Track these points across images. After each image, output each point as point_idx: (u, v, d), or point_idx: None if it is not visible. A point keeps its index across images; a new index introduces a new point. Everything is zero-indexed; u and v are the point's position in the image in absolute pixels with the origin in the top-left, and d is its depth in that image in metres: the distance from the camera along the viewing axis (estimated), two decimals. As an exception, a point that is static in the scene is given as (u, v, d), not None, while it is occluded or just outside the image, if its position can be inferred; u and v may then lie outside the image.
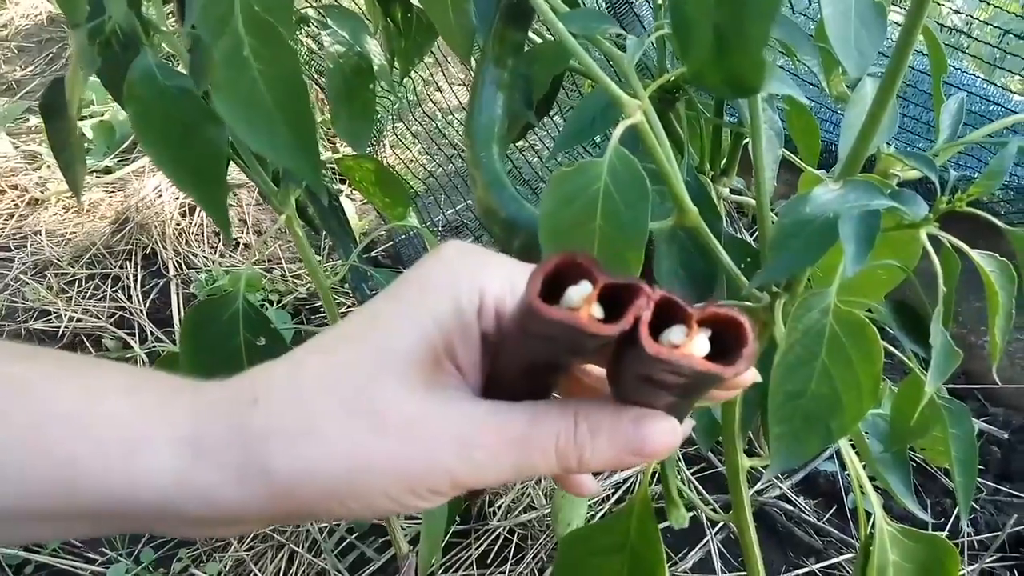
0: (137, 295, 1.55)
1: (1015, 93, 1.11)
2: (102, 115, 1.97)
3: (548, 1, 0.39)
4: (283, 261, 1.64)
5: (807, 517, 1.13)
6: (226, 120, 0.42)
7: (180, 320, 1.48)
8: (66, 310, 1.51)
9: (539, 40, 0.58)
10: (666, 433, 0.28)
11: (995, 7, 1.15)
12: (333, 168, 1.40)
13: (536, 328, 0.25)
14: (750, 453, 0.54)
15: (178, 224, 1.71)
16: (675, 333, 0.24)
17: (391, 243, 1.64)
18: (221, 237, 1.70)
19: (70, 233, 1.72)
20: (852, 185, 0.37)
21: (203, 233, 1.71)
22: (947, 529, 1.11)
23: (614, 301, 0.24)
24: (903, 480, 0.55)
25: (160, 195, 1.76)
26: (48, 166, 1.90)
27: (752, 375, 0.29)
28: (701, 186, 0.47)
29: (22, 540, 0.30)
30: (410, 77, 1.36)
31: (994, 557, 1.07)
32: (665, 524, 0.59)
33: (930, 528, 1.08)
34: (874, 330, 0.39)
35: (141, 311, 1.52)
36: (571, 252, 0.24)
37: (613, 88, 0.38)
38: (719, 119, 0.56)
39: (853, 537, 1.10)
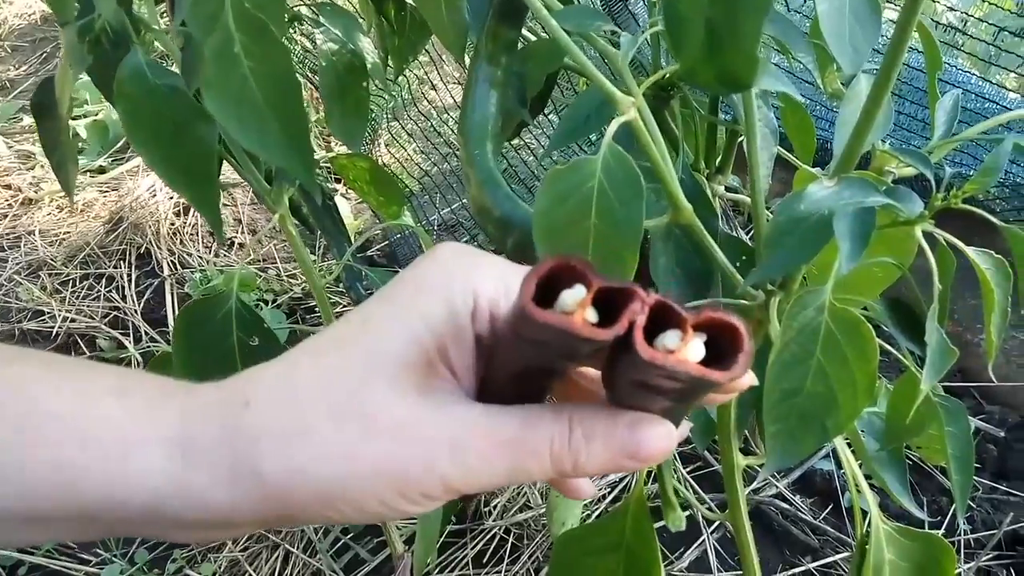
0: (131, 295, 1.55)
1: (1010, 90, 1.11)
2: (96, 115, 1.96)
3: (541, -2, 0.38)
4: (278, 261, 1.63)
5: (803, 516, 1.13)
6: (217, 118, 0.41)
7: (174, 320, 1.47)
8: (60, 310, 1.50)
9: (533, 37, 0.57)
10: (662, 438, 0.27)
11: (990, 4, 1.15)
12: (328, 167, 1.39)
13: (529, 332, 0.25)
14: (746, 452, 0.54)
15: (172, 224, 1.71)
16: (670, 338, 0.23)
17: (387, 242, 1.64)
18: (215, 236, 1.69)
19: (64, 233, 1.71)
20: (847, 182, 0.36)
21: (198, 233, 1.70)
22: (943, 527, 1.11)
23: (609, 305, 0.23)
24: (899, 478, 0.55)
25: (154, 195, 1.76)
26: (42, 166, 1.89)
27: (749, 379, 0.29)
28: (696, 184, 0.47)
29: (17, 542, 0.30)
30: (405, 76, 1.36)
31: (991, 555, 1.07)
32: (661, 523, 0.59)
33: (926, 526, 1.08)
34: (869, 328, 0.39)
35: (135, 311, 1.51)
36: (565, 255, 0.24)
37: (607, 85, 0.38)
38: (714, 117, 0.56)
39: (849, 536, 1.10)
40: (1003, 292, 0.41)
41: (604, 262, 0.37)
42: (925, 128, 1.10)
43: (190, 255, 1.64)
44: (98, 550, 1.11)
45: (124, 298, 1.54)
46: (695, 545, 1.09)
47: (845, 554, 1.08)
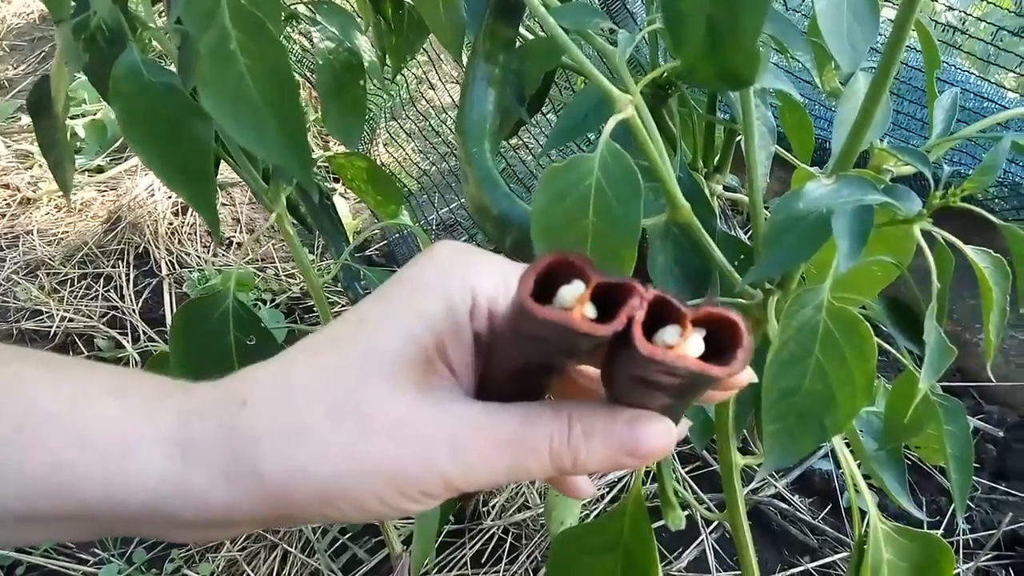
0: (129, 294, 1.55)
1: (1009, 90, 1.11)
2: (94, 114, 1.96)
3: (539, -5, 0.38)
4: (277, 260, 1.63)
5: (802, 515, 1.13)
6: (213, 115, 0.41)
7: (172, 319, 1.47)
8: (58, 310, 1.50)
9: (530, 36, 0.57)
10: (661, 435, 0.27)
11: (989, 3, 1.15)
12: (326, 166, 1.39)
13: (528, 328, 0.24)
14: (744, 451, 0.54)
15: (170, 223, 1.70)
16: (669, 333, 0.23)
17: (385, 242, 1.64)
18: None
19: (62, 232, 1.71)
20: (845, 181, 0.36)
21: (196, 232, 1.70)
22: (942, 527, 1.11)
23: (607, 301, 0.23)
24: (898, 478, 0.55)
25: (152, 194, 1.75)
26: (40, 165, 1.89)
27: (748, 375, 0.29)
28: (694, 182, 0.47)
29: (15, 542, 0.30)
30: (403, 75, 1.36)
31: (989, 555, 1.07)
32: (659, 523, 0.59)
33: (925, 526, 1.08)
34: (868, 327, 0.39)
35: (133, 310, 1.51)
36: (564, 251, 0.24)
37: (604, 83, 0.37)
38: (712, 115, 0.56)
39: (848, 535, 1.10)
40: (1002, 291, 0.41)
41: (602, 260, 0.37)
42: (923, 127, 1.10)
43: (188, 255, 1.64)
44: (96, 550, 1.11)
45: (122, 297, 1.54)
46: (693, 545, 1.09)
47: (844, 554, 1.08)
